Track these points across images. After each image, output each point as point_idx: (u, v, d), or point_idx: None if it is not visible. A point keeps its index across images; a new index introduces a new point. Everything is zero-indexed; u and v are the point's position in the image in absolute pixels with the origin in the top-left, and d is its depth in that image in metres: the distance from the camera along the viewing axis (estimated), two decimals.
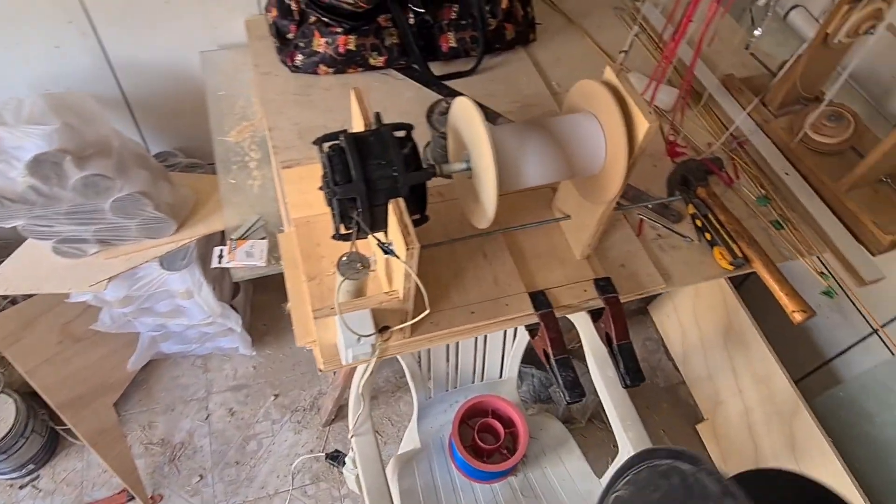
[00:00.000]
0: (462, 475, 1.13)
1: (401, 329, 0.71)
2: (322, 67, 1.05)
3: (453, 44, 1.09)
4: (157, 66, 1.23)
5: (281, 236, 0.83)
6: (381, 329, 0.68)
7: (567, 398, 0.76)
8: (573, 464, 1.15)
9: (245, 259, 0.89)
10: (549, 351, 0.79)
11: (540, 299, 0.81)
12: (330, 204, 0.63)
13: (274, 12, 1.05)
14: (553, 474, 1.14)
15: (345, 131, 0.63)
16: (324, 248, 0.79)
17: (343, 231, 0.64)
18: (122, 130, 1.34)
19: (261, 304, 1.68)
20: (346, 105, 1.08)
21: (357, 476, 0.98)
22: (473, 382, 1.20)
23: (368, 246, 0.73)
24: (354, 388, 0.86)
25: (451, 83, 1.09)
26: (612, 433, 1.04)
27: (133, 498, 1.37)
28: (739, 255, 0.89)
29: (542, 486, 1.12)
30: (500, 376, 1.21)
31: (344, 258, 0.65)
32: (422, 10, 1.05)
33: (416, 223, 0.68)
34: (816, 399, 1.37)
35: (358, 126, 0.70)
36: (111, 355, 1.44)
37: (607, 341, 0.83)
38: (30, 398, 1.37)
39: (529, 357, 1.14)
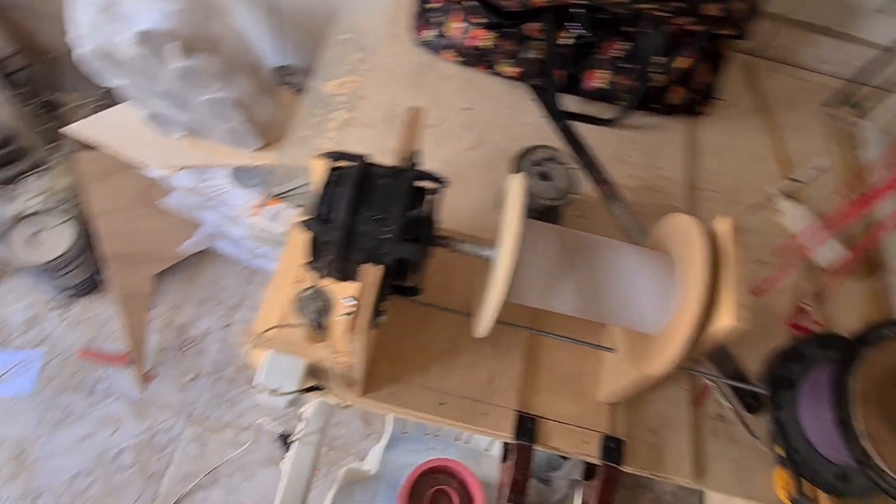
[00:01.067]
0: None
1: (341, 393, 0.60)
2: (447, 53, 0.93)
3: (602, 84, 0.91)
4: None
5: (296, 223, 0.74)
6: (311, 388, 0.57)
7: None
8: None
9: (267, 221, 0.82)
10: (506, 491, 0.64)
11: (527, 426, 0.66)
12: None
13: None
14: None
15: (362, 158, 0.51)
16: None
17: (313, 262, 0.54)
18: (263, 32, 1.32)
19: None
20: (457, 103, 0.96)
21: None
22: (457, 440, 1.08)
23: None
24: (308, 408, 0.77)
25: (581, 126, 0.92)
26: None
27: (132, 364, 1.43)
28: (809, 495, 0.67)
29: None
30: (487, 448, 1.07)
31: (307, 292, 0.55)
32: (588, 34, 0.88)
33: (404, 291, 0.56)
34: None
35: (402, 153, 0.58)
36: (172, 231, 1.48)
37: None
38: (91, 235, 1.45)
39: None
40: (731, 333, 0.47)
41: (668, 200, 0.89)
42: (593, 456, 0.66)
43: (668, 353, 0.49)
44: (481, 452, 1.08)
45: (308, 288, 0.55)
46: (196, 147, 1.20)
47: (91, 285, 1.53)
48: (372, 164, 0.51)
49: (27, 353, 1.45)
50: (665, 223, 0.56)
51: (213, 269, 1.61)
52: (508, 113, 0.93)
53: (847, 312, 0.83)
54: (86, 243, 1.45)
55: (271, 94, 1.19)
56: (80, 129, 1.21)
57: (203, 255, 1.60)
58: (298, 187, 0.87)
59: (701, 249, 0.48)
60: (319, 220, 0.49)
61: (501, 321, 0.71)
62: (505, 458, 0.70)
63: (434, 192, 0.52)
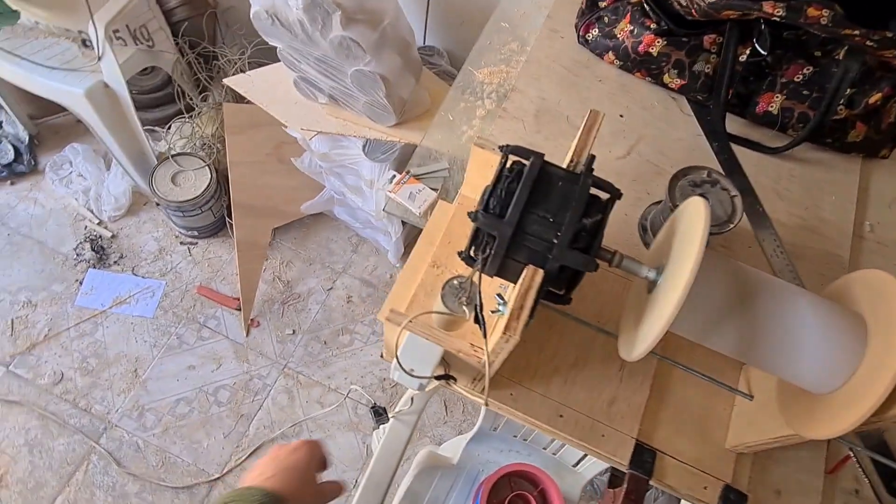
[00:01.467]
0: None
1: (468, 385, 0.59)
2: (609, 55, 0.89)
3: (773, 109, 0.84)
4: None
5: (440, 204, 0.74)
6: (442, 376, 0.57)
7: None
8: None
9: (405, 199, 0.83)
10: None
11: (644, 458, 0.63)
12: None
13: None
14: None
15: (541, 157, 0.50)
16: None
17: (471, 254, 0.53)
18: (409, 11, 1.33)
19: None
20: (610, 108, 0.92)
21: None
22: (546, 449, 1.05)
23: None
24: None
25: (741, 150, 0.86)
26: None
27: (240, 309, 1.51)
28: None
29: None
30: (576, 465, 1.04)
31: (454, 281, 0.55)
32: (763, 53, 0.82)
33: (553, 298, 0.54)
34: None
35: (571, 153, 0.56)
36: (296, 190, 1.54)
37: None
38: (223, 182, 1.54)
39: None
40: None
41: (825, 245, 0.82)
42: None
43: (843, 420, 0.44)
44: (567, 467, 1.05)
45: (457, 277, 0.55)
46: (336, 115, 1.24)
47: (216, 228, 1.62)
48: (549, 164, 0.49)
49: (153, 282, 1.56)
50: (856, 277, 0.50)
51: (325, 233, 1.66)
52: (662, 126, 0.88)
53: None
54: (218, 189, 1.54)
55: (415, 73, 1.20)
56: (235, 81, 1.28)
57: (318, 217, 1.66)
58: (438, 171, 0.87)
59: None
60: (488, 213, 0.48)
61: None
62: (611, 483, 0.68)
63: (607, 202, 0.50)
